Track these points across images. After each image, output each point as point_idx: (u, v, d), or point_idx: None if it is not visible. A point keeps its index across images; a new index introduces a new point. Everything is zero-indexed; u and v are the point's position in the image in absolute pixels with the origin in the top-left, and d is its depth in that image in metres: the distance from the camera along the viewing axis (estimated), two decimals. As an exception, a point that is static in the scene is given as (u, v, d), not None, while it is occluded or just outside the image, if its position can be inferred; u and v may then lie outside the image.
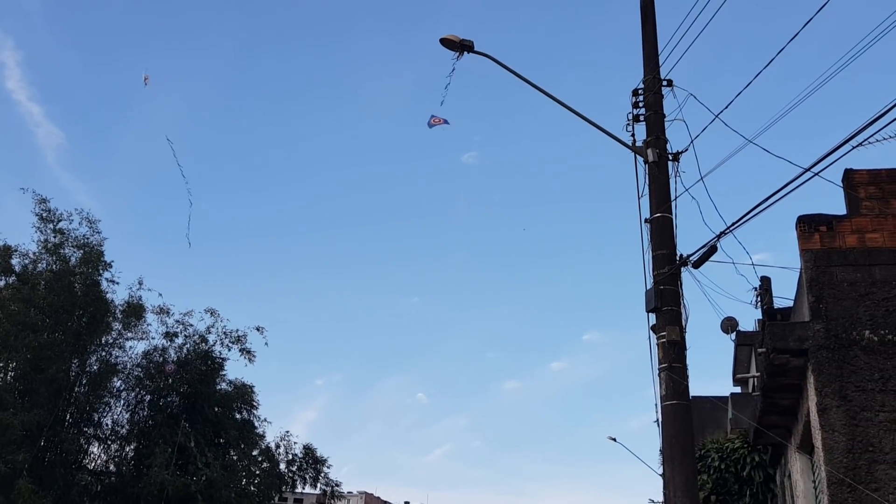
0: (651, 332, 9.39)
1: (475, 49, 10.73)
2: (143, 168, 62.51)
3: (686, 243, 11.10)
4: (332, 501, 26.70)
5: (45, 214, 22.03)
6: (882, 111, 6.89)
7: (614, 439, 30.62)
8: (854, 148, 7.40)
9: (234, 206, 66.64)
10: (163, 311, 23.47)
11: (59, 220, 22.22)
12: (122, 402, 23.09)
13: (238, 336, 23.79)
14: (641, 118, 10.08)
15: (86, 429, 22.41)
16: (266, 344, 24.35)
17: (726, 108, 9.24)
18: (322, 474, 25.70)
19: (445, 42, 10.85)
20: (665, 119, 9.95)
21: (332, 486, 25.97)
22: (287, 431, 25.94)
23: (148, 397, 23.31)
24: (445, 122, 11.89)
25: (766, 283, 12.82)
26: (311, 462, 25.52)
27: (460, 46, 10.75)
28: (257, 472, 24.44)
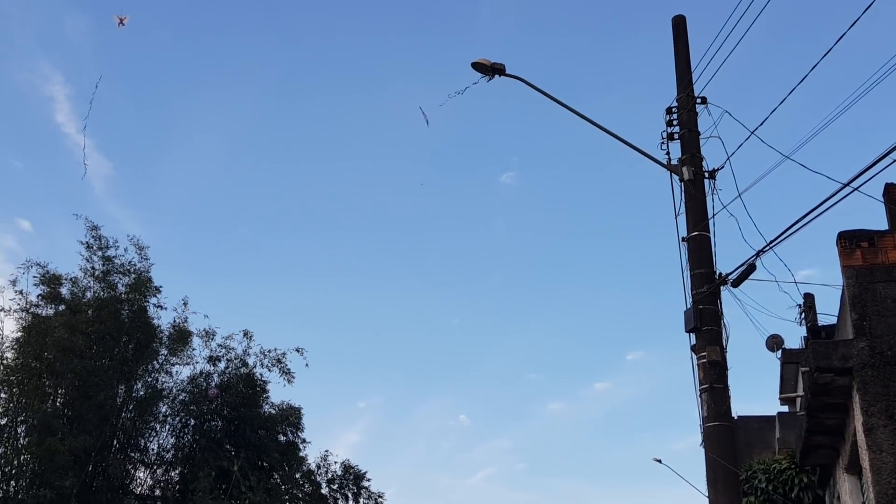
0: (692, 352, 9.29)
1: (506, 72, 10.81)
2: (188, 196, 63.86)
3: (726, 261, 11.02)
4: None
5: (93, 242, 22.56)
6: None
7: (660, 461, 30.13)
8: (895, 161, 7.29)
9: (273, 231, 67.62)
10: (208, 335, 23.80)
11: (108, 248, 22.72)
12: (167, 427, 23.40)
13: (278, 357, 24.02)
14: (676, 136, 10.06)
15: (132, 454, 22.75)
16: (307, 365, 24.46)
17: (762, 124, 9.18)
18: (364, 489, 25.61)
19: (477, 66, 10.94)
20: (700, 137, 9.92)
21: (376, 500, 25.79)
22: (327, 450, 25.91)
23: (192, 422, 23.60)
24: (426, 120, 12.30)
25: (809, 300, 12.62)
26: (352, 478, 25.49)
27: (492, 70, 10.84)
28: (300, 496, 24.54)
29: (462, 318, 73.19)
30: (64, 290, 22.15)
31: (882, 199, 8.78)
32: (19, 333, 21.10)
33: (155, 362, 23.00)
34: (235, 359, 23.93)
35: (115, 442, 21.96)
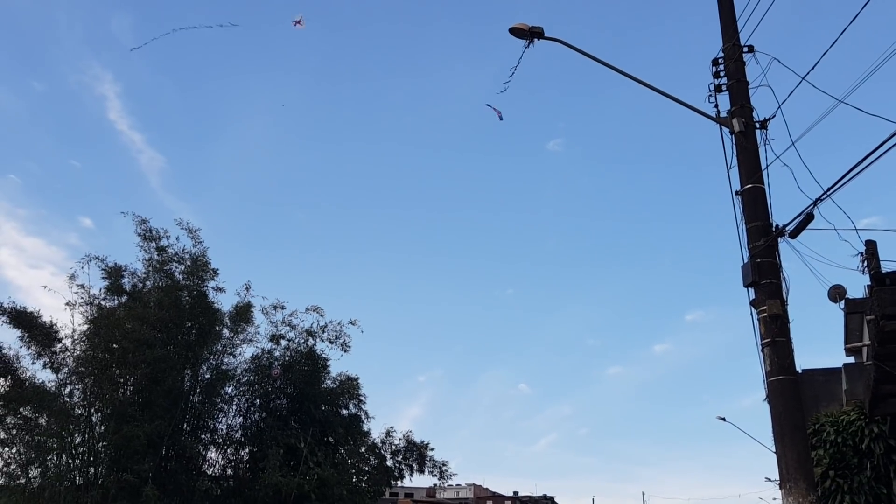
0: (751, 307, 9.14)
1: (545, 35, 10.65)
2: (240, 183, 64.90)
3: (782, 213, 10.75)
4: (442, 493, 26.86)
5: (146, 234, 23.09)
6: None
7: (724, 419, 29.86)
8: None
9: (327, 212, 68.33)
10: (277, 307, 24.27)
11: (160, 238, 23.23)
12: (234, 407, 24.01)
13: (336, 332, 24.43)
14: (724, 88, 9.81)
15: (203, 435, 23.42)
16: (362, 332, 24.93)
17: (813, 68, 8.89)
18: (427, 458, 25.94)
19: (515, 31, 10.80)
20: (748, 87, 9.66)
21: (440, 468, 26.09)
22: (391, 427, 26.29)
23: (258, 401, 24.17)
24: (497, 112, 12.08)
25: (871, 246, 12.23)
26: (415, 450, 25.84)
27: (530, 34, 10.69)
28: (366, 469, 25.01)
29: (516, 288, 73.23)
30: (125, 282, 22.78)
31: (945, 138, 8.44)
32: (86, 326, 21.81)
33: (218, 344, 23.55)
34: (297, 336, 24.38)
35: (185, 425, 22.64)
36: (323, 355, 24.53)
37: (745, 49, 9.77)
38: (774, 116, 9.40)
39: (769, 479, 28.16)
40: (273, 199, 65.11)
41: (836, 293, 14.97)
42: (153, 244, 23.12)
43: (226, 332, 23.67)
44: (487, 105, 11.99)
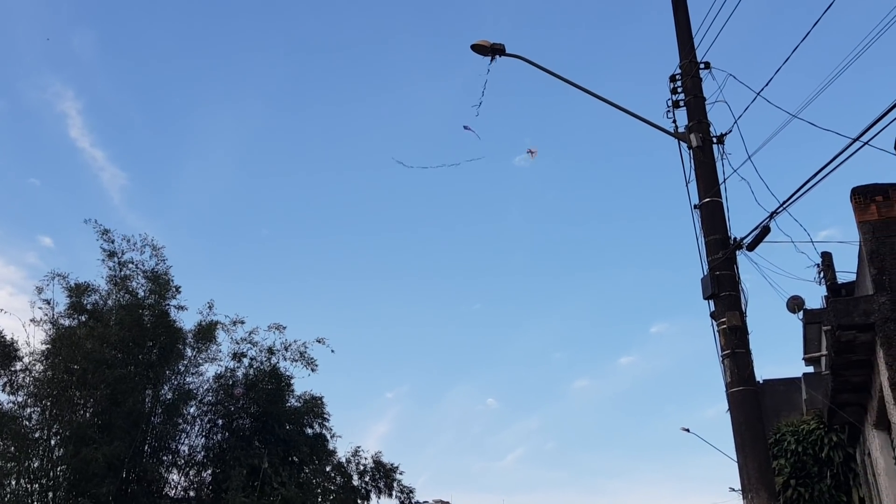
0: (712, 319, 9.26)
1: (507, 52, 10.78)
2: (204, 203, 64.30)
3: (741, 226, 10.94)
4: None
5: (108, 247, 22.70)
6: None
7: (688, 430, 30.15)
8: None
9: (291, 233, 67.94)
10: (237, 322, 23.95)
11: (124, 253, 22.86)
12: (196, 427, 23.61)
13: (300, 350, 24.19)
14: (681, 104, 9.99)
15: (164, 457, 22.99)
16: (332, 351, 24.68)
17: (767, 84, 9.09)
18: (395, 482, 25.81)
19: (477, 48, 10.92)
20: (705, 102, 9.84)
21: (407, 493, 26.00)
22: (358, 446, 26.07)
23: (221, 421, 23.82)
24: (475, 133, 12.00)
25: (827, 258, 12.52)
26: (382, 472, 25.67)
27: (491, 50, 10.82)
28: (332, 489, 24.75)
29: (484, 303, 73.31)
30: (87, 300, 22.36)
31: (894, 152, 8.68)
32: (46, 346, 21.36)
33: (180, 364, 23.20)
34: (260, 353, 24.10)
35: (146, 447, 22.21)
36: (287, 374, 24.29)
37: (702, 65, 9.97)
38: (731, 131, 9.60)
39: (733, 489, 28.45)
40: (237, 215, 64.62)
41: (795, 304, 15.25)
42: (115, 260, 22.77)
43: (188, 351, 23.35)
44: (465, 127, 11.96)
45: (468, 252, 73.13)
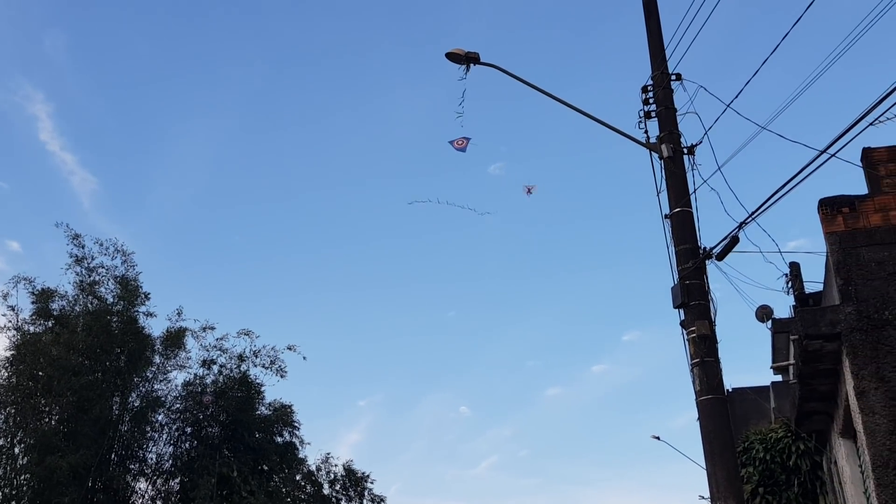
0: (681, 328, 9.32)
1: (481, 61, 10.80)
2: (176, 208, 63.61)
3: (711, 236, 11.03)
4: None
5: (77, 252, 22.39)
6: (893, 86, 6.80)
7: (658, 438, 30.35)
8: (871, 125, 7.32)
9: (265, 234, 67.48)
10: (207, 329, 23.70)
11: (94, 258, 22.56)
12: (164, 435, 23.35)
13: (271, 357, 24.02)
14: (653, 115, 10.06)
15: (131, 466, 22.69)
16: (304, 358, 24.63)
17: (737, 97, 9.20)
18: (367, 490, 25.66)
19: (452, 56, 10.93)
20: (677, 113, 9.92)
21: (378, 501, 25.86)
22: (328, 453, 25.89)
23: (189, 429, 23.55)
24: (467, 139, 11.80)
25: (795, 268, 12.67)
26: (353, 480, 25.52)
27: (466, 59, 10.83)
28: (303, 497, 24.54)
29: (458, 310, 73.33)
30: (54, 305, 22.02)
31: (860, 164, 8.83)
32: (11, 352, 20.99)
33: (149, 371, 22.91)
34: (230, 360, 23.87)
35: (113, 455, 21.89)
36: (257, 381, 24.08)
37: (673, 77, 10.06)
38: (701, 143, 9.69)
39: (702, 497, 28.64)
40: (210, 221, 64.04)
41: (764, 313, 15.42)
42: (84, 265, 22.46)
43: (157, 357, 23.08)
44: (450, 143, 11.85)
45: (444, 259, 73.13)
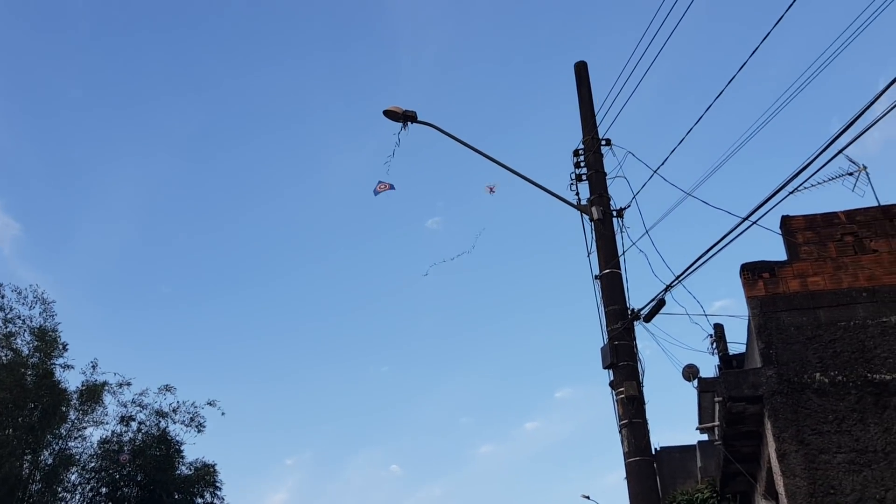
0: (611, 388, 9.40)
1: (418, 119, 10.92)
2: (103, 257, 61.79)
3: (639, 296, 11.26)
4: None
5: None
6: (810, 158, 7.12)
7: (588, 497, 30.31)
8: (790, 194, 7.64)
9: (194, 285, 65.91)
10: (123, 384, 22.91)
11: (12, 308, 21.69)
12: (77, 496, 22.24)
13: (192, 414, 23.35)
14: (584, 177, 10.30)
15: (41, 528, 21.47)
16: (223, 413, 24.07)
17: (663, 164, 9.50)
18: None
19: (389, 114, 11.02)
20: (606, 177, 10.18)
21: None
22: None
23: (104, 489, 22.48)
24: (391, 186, 11.91)
25: (719, 330, 12.99)
26: None
27: (403, 117, 10.94)
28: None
29: (391, 366, 72.60)
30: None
31: (780, 231, 9.17)
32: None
33: (63, 427, 21.91)
34: (149, 417, 23.07)
35: (21, 516, 20.68)
36: (177, 439, 23.28)
37: (604, 142, 10.35)
38: (630, 206, 9.94)
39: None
40: (137, 271, 62.29)
41: (690, 372, 15.65)
42: (0, 315, 21.53)
43: (72, 413, 22.11)
44: (374, 191, 11.88)
45: (378, 315, 72.60)
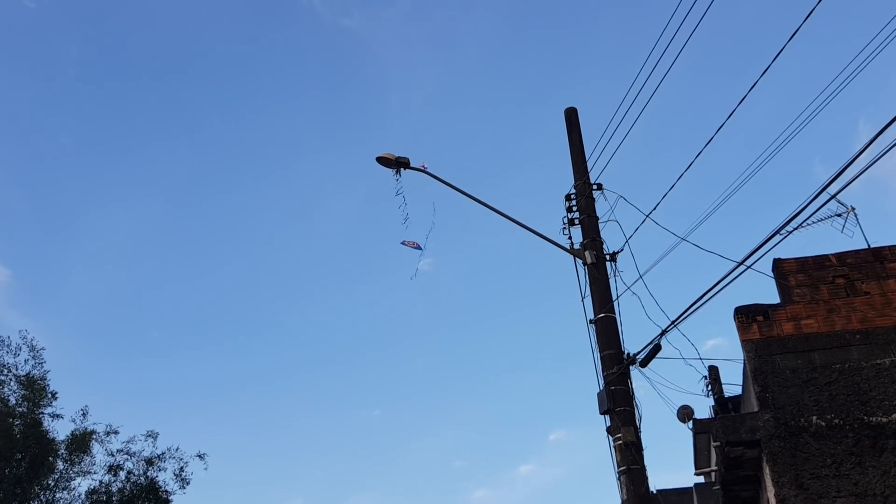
0: (608, 433, 9.34)
1: (411, 165, 11.03)
2: (93, 302, 61.45)
3: (634, 338, 11.28)
4: None
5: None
6: (802, 205, 7.21)
7: (584, 541, 29.85)
8: (783, 238, 7.71)
9: (185, 331, 65.51)
10: (110, 432, 22.65)
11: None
12: (64, 550, 21.77)
13: (180, 465, 23.07)
14: (576, 222, 10.37)
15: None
16: (206, 469, 23.76)
17: (655, 208, 9.59)
18: None
19: (382, 161, 11.13)
20: (598, 221, 10.26)
21: None
22: None
23: (93, 543, 22.05)
24: (418, 246, 11.87)
25: (714, 372, 12.94)
26: None
27: (396, 163, 11.05)
28: None
29: (384, 408, 71.96)
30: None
31: (772, 274, 9.22)
32: None
33: (51, 478, 21.55)
34: (137, 465, 22.76)
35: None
36: (165, 488, 22.92)
37: (595, 186, 10.44)
38: (622, 250, 10.00)
39: None
40: (127, 316, 61.83)
41: (685, 414, 15.59)
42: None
43: (60, 463, 21.76)
44: (403, 243, 11.93)
45: (370, 357, 72.14)
